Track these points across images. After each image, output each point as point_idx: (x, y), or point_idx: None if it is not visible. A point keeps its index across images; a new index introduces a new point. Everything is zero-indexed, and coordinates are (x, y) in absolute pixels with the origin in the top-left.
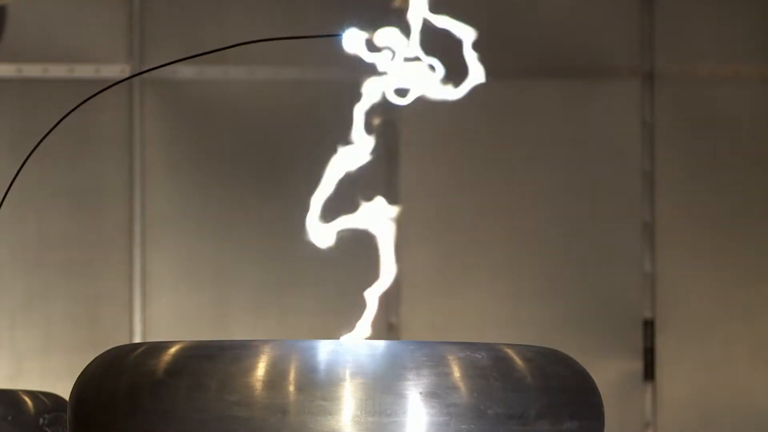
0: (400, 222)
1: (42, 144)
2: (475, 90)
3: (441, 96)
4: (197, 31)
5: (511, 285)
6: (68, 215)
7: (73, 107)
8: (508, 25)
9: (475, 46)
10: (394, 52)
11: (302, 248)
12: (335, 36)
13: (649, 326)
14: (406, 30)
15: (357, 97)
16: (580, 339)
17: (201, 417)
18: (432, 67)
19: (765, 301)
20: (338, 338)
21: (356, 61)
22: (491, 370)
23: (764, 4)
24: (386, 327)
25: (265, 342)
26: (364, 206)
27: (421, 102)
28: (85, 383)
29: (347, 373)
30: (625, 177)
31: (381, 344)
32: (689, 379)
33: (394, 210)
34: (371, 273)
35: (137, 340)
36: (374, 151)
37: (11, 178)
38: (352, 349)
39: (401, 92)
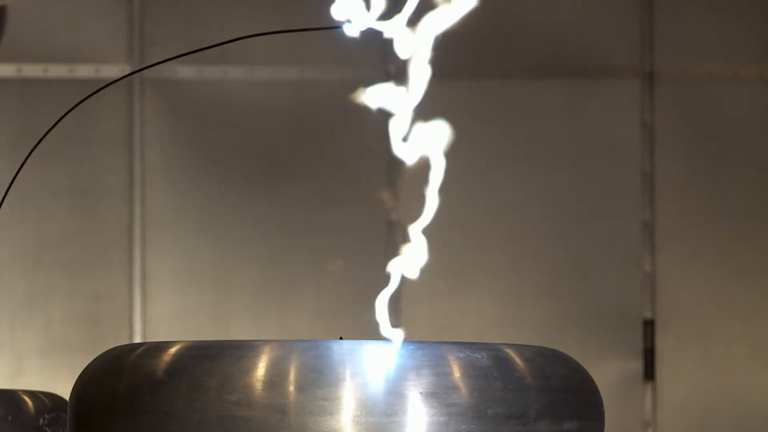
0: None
1: (42, 144)
2: (476, 90)
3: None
4: (197, 32)
5: (511, 285)
6: (68, 215)
7: (72, 107)
8: (509, 25)
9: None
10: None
11: (302, 248)
12: (337, 28)
13: (649, 326)
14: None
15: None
16: (580, 339)
17: (201, 417)
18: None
19: (765, 301)
20: (338, 338)
21: (356, 61)
22: (491, 370)
23: (764, 4)
24: None
25: (265, 342)
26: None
27: (422, 102)
28: (85, 383)
29: (347, 373)
30: (625, 177)
31: (380, 344)
32: (689, 379)
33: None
34: (371, 273)
35: (137, 340)
36: (374, 151)
37: (11, 178)
38: (352, 349)
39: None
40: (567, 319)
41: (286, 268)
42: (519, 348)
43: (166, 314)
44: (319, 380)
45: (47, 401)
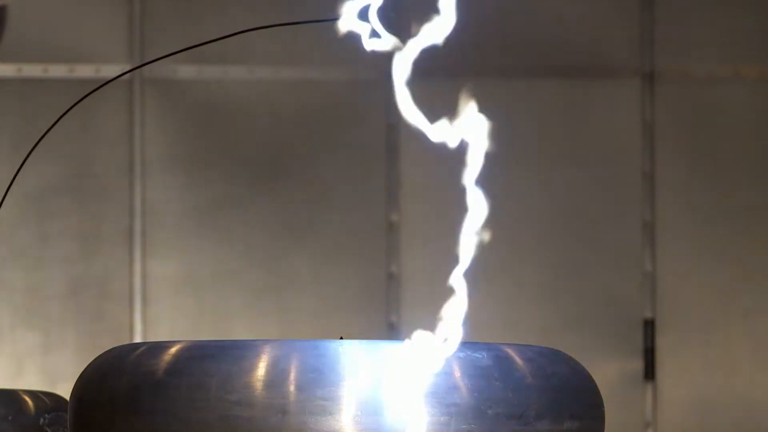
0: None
1: (42, 143)
2: (476, 90)
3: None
4: (197, 32)
5: (511, 285)
6: (68, 214)
7: (72, 106)
8: (509, 25)
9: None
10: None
11: (302, 248)
12: (334, 20)
13: (649, 326)
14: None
15: (356, 97)
16: (580, 339)
17: (201, 417)
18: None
19: (765, 301)
20: (339, 338)
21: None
22: (491, 370)
23: (764, 4)
24: (386, 327)
25: (265, 342)
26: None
27: (421, 102)
28: (86, 383)
29: (347, 373)
30: (625, 177)
31: (381, 344)
32: (689, 379)
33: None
34: (371, 273)
35: (137, 340)
36: (374, 151)
37: (11, 178)
38: (352, 349)
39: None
40: (567, 319)
41: (286, 268)
42: (519, 348)
43: (166, 314)
44: (319, 380)
45: (47, 401)
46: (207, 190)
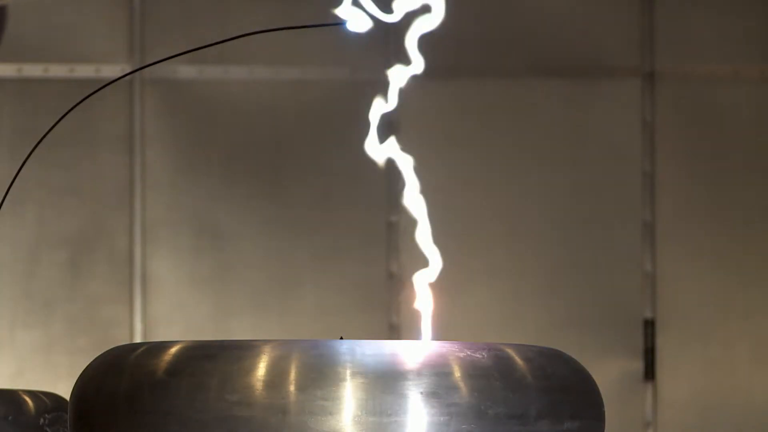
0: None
1: (42, 144)
2: (476, 90)
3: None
4: (198, 32)
5: (511, 285)
6: (68, 215)
7: (72, 107)
8: (509, 25)
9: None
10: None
11: (302, 248)
12: (338, 24)
13: (649, 326)
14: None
15: (356, 96)
16: (580, 339)
17: (201, 417)
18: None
19: (765, 301)
20: (338, 338)
21: (356, 61)
22: (492, 369)
23: (764, 4)
24: (386, 327)
25: (265, 342)
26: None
27: (422, 102)
28: (86, 383)
29: (347, 373)
30: (625, 177)
31: (381, 344)
32: (689, 379)
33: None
34: (371, 273)
35: (137, 340)
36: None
37: (11, 178)
38: (352, 349)
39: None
40: (567, 319)
41: (286, 268)
42: (519, 348)
43: (166, 314)
44: (319, 380)
45: (47, 401)
46: (207, 190)
